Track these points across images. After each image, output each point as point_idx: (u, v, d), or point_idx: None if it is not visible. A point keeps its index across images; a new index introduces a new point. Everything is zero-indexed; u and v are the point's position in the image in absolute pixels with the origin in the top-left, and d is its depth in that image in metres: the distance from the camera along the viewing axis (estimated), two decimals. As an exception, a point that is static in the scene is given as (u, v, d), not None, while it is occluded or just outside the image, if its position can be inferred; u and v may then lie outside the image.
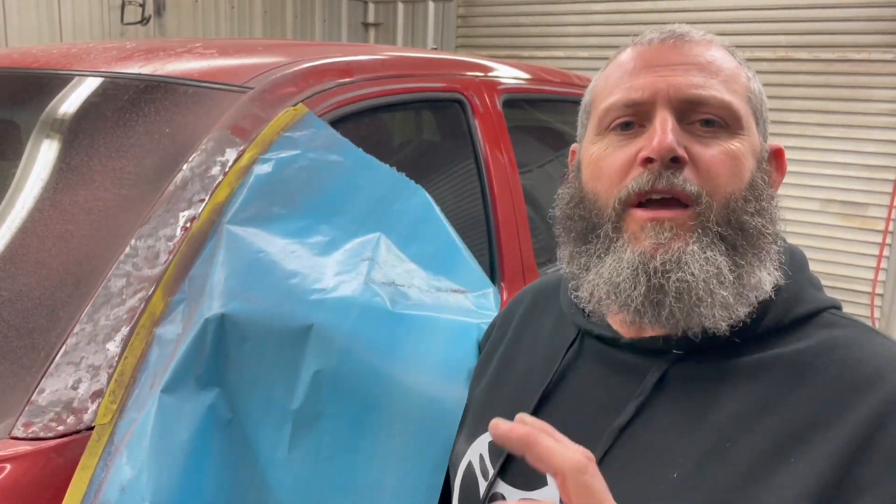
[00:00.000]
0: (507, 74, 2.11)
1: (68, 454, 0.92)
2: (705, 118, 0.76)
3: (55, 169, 1.29)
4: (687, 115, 0.76)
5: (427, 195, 1.32)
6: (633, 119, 0.78)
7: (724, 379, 0.74)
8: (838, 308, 0.80)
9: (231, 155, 1.20)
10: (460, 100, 1.82)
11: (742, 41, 4.83)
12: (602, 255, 0.77)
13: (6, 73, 1.58)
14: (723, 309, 0.72)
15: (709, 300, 0.71)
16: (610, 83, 0.81)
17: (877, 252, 4.61)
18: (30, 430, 0.92)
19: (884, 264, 4.60)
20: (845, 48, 4.60)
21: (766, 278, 0.74)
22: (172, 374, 0.95)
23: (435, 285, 1.23)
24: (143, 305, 1.03)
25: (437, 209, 1.33)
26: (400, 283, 1.19)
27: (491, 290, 1.30)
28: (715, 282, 0.71)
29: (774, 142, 0.84)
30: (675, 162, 0.73)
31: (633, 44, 0.83)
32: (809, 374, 0.72)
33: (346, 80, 1.49)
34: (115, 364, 0.98)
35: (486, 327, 1.14)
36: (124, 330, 1.01)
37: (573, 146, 0.93)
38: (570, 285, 0.85)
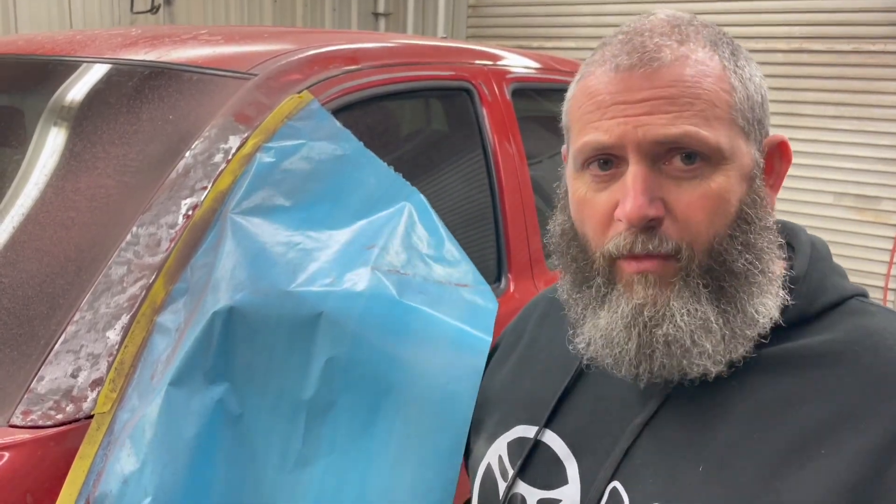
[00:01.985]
0: (516, 63, 2.09)
1: (67, 443, 0.92)
2: (685, 152, 0.71)
3: (58, 156, 1.28)
4: (662, 155, 0.72)
5: (423, 198, 1.31)
6: (608, 158, 0.75)
7: (749, 371, 0.73)
8: (864, 296, 0.77)
9: (234, 142, 1.19)
10: (468, 88, 1.80)
11: (756, 32, 4.78)
12: (597, 307, 0.77)
13: (11, 59, 1.58)
14: (710, 358, 0.71)
15: (695, 350, 0.71)
16: (582, 113, 0.77)
17: (890, 246, 4.55)
18: (28, 419, 0.92)
19: (897, 259, 4.55)
20: (860, 40, 4.54)
21: (768, 304, 0.72)
22: (180, 367, 0.94)
23: (440, 276, 1.22)
24: (143, 293, 1.02)
25: (433, 213, 1.33)
26: (405, 271, 1.18)
27: (488, 287, 1.29)
28: (701, 332, 0.71)
29: (779, 133, 0.79)
30: (650, 221, 0.71)
31: (602, 59, 0.76)
32: (840, 364, 0.70)
33: (353, 67, 1.48)
34: (115, 352, 0.98)
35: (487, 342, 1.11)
36: (125, 318, 1.00)
37: (564, 147, 0.89)
38: (568, 334, 0.83)
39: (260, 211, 1.12)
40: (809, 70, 4.68)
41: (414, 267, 1.20)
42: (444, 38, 5.22)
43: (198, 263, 1.05)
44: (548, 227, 0.87)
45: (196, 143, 1.19)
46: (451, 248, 1.28)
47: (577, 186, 0.78)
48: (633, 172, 0.71)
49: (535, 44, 5.37)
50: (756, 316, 0.71)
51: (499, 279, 1.80)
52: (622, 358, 0.74)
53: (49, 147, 1.31)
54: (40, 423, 0.91)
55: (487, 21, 5.93)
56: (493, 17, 5.90)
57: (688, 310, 0.71)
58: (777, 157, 0.79)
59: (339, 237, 1.17)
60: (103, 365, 0.97)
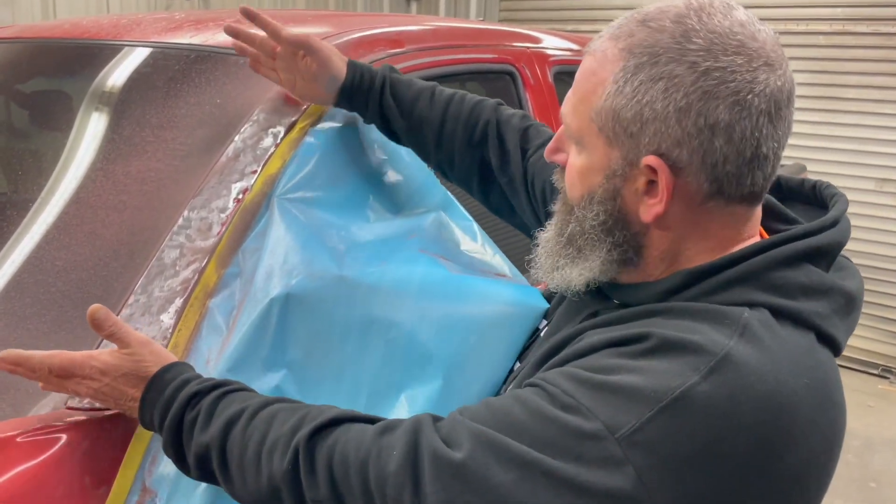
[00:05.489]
0: (558, 45, 2.06)
1: (124, 424, 0.92)
2: None
3: (107, 139, 1.29)
4: None
5: (453, 197, 1.31)
6: None
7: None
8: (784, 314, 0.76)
9: (282, 126, 1.18)
10: (511, 72, 1.78)
11: (797, 14, 4.67)
12: None
13: (58, 44, 1.59)
14: (541, 272, 0.87)
15: (535, 262, 0.87)
16: None
17: (934, 234, 4.45)
18: (85, 400, 0.92)
19: (941, 246, 4.44)
20: (906, 21, 4.41)
21: (570, 273, 0.83)
22: (237, 354, 0.94)
23: (479, 266, 1.22)
24: (196, 277, 1.02)
25: (464, 210, 1.34)
26: (448, 258, 1.18)
27: (525, 280, 1.29)
28: (543, 250, 0.87)
29: (653, 157, 0.75)
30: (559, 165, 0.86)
31: None
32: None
33: (398, 50, 1.47)
34: (169, 336, 0.98)
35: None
36: (178, 302, 1.00)
37: None
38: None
39: (307, 196, 1.12)
40: (852, 52, 4.56)
41: (456, 256, 1.20)
42: (481, 20, 5.17)
43: (249, 248, 1.05)
44: None
45: (245, 126, 1.18)
46: (486, 244, 1.27)
47: None
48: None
49: (570, 27, 5.29)
50: (558, 268, 0.83)
51: (541, 265, 1.79)
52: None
53: (98, 131, 1.32)
54: (97, 404, 0.92)
55: (520, 4, 5.86)
56: (526, 0, 5.83)
57: (547, 235, 0.86)
58: (659, 175, 0.75)
59: (381, 227, 1.17)
60: (158, 348, 0.97)
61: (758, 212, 0.80)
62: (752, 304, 0.74)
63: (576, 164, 0.81)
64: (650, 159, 0.74)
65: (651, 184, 0.76)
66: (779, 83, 0.73)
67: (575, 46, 2.18)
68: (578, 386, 0.70)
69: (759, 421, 0.67)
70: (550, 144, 0.86)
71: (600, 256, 0.80)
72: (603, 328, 0.79)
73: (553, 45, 2.04)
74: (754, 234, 0.80)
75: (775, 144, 0.74)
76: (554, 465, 0.67)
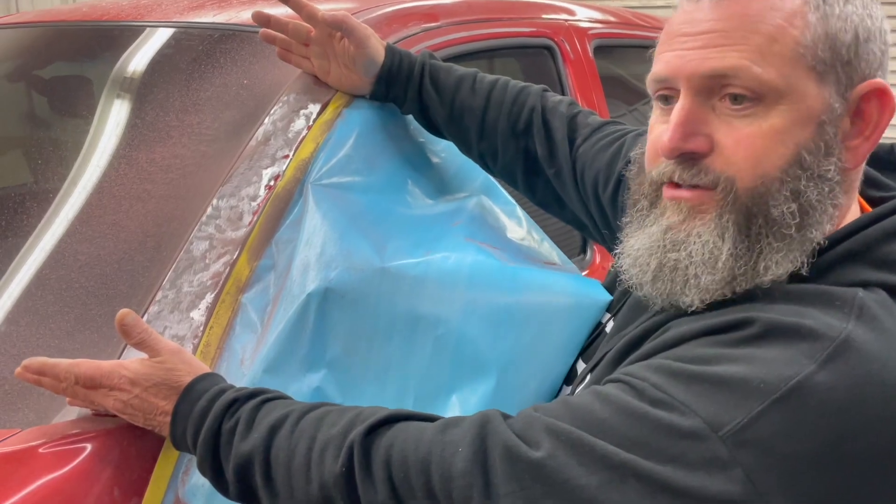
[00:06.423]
0: (597, 18, 1.97)
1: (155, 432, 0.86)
2: (733, 93, 0.68)
3: (130, 125, 1.23)
4: (713, 90, 0.70)
5: (494, 181, 1.23)
6: (667, 93, 0.74)
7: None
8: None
9: (315, 107, 1.11)
10: (550, 46, 1.70)
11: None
12: (637, 228, 0.78)
13: (77, 27, 1.53)
14: (703, 293, 0.71)
15: (693, 282, 0.71)
16: (659, 44, 0.77)
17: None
18: (112, 412, 0.86)
19: None
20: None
21: (780, 267, 0.69)
22: (274, 353, 0.87)
23: (527, 254, 1.14)
24: (227, 271, 0.95)
25: (506, 194, 1.26)
26: (494, 245, 1.11)
27: (575, 267, 1.21)
28: (705, 268, 0.70)
29: (879, 80, 0.69)
30: (690, 154, 0.70)
31: None
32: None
33: (432, 24, 1.39)
34: (200, 334, 0.91)
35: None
36: (209, 297, 0.93)
37: None
38: (616, 251, 0.86)
39: (343, 181, 1.04)
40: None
41: (505, 244, 1.12)
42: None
43: (283, 238, 0.98)
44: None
45: (275, 108, 1.11)
46: (531, 229, 1.19)
47: (651, 115, 0.79)
48: (679, 106, 0.70)
49: (598, 2, 5.17)
50: (761, 272, 0.69)
51: (584, 251, 1.71)
52: (641, 278, 0.75)
53: (120, 116, 1.25)
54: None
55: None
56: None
57: (705, 241, 0.70)
58: (874, 104, 0.69)
59: (423, 213, 1.10)
60: (189, 347, 0.91)
61: None
62: (865, 284, 0.66)
63: (763, 128, 0.67)
64: (874, 83, 0.68)
65: (853, 121, 0.69)
66: None
67: (612, 18, 2.08)
68: (669, 378, 0.63)
69: (886, 414, 0.60)
70: (677, 133, 0.70)
71: (825, 230, 0.69)
72: (692, 316, 0.71)
73: (591, 17, 1.94)
74: (856, 201, 0.73)
75: None
76: (646, 467, 0.60)
